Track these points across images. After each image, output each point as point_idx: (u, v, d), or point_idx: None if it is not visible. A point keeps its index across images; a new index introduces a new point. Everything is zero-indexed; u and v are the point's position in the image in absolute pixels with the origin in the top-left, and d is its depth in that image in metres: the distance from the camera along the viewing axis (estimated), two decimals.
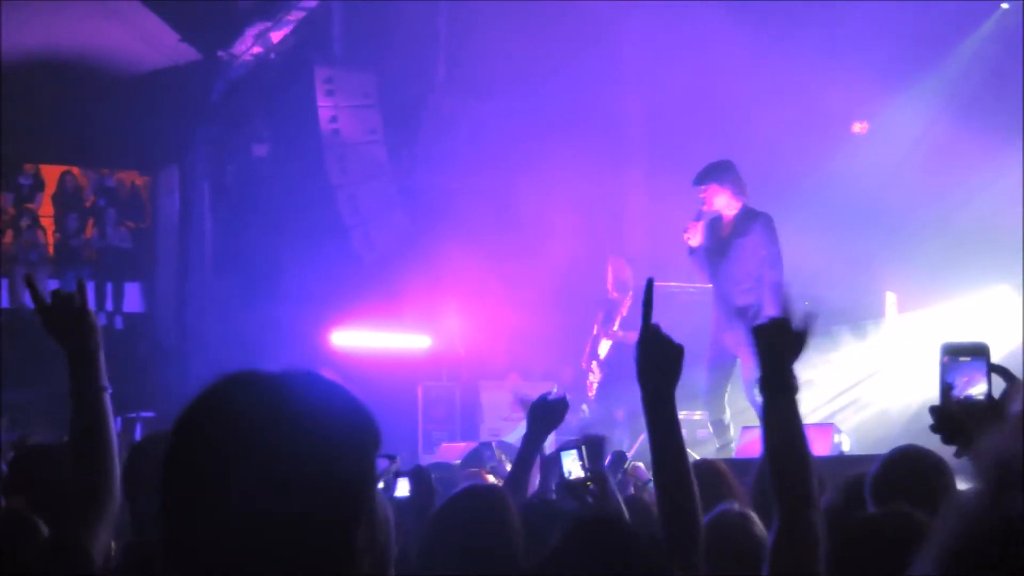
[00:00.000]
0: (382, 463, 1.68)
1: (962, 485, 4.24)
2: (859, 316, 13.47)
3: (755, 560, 3.65)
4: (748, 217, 9.66)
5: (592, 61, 14.87)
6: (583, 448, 4.87)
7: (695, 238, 9.64)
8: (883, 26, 14.41)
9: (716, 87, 14.33)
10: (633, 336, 10.12)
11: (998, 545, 0.97)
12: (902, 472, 3.76)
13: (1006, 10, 15.11)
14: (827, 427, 9.55)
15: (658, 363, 3.01)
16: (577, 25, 14.61)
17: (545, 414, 5.14)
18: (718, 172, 9.71)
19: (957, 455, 2.41)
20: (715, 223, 9.70)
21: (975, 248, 13.40)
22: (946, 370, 2.45)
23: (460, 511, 3.85)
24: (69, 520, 2.92)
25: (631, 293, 12.13)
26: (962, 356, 2.43)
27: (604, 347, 12.23)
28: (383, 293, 13.68)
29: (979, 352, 2.44)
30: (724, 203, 9.66)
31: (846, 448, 9.88)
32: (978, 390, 2.40)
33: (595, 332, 12.47)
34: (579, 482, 4.70)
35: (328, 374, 1.68)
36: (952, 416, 2.41)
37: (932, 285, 13.38)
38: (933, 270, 13.41)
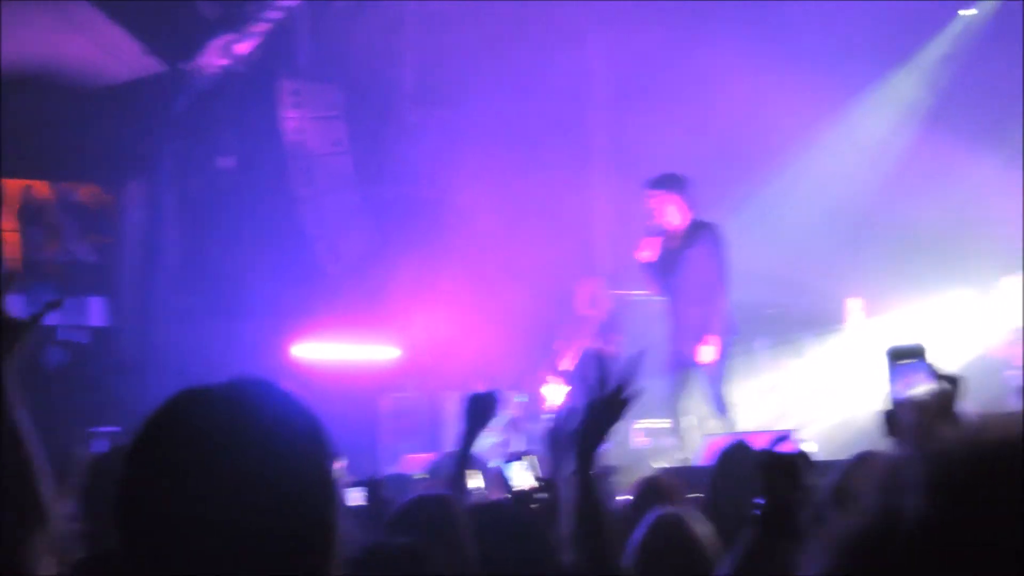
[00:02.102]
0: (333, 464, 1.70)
1: None
2: (824, 322, 13.55)
3: (693, 558, 3.68)
4: (697, 228, 9.79)
5: (559, 72, 14.90)
6: (532, 458, 4.91)
7: (648, 253, 9.77)
8: (845, 32, 14.52)
9: (681, 96, 14.38)
10: (609, 346, 10.09)
11: (874, 546, 0.99)
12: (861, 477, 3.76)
13: (967, 17, 15.24)
14: (789, 433, 9.56)
15: (601, 428, 3.04)
16: (544, 36, 14.65)
17: (478, 410, 5.15)
18: (672, 181, 9.86)
19: None
20: (666, 236, 9.81)
21: (938, 253, 13.50)
22: (892, 374, 2.48)
23: (410, 520, 3.86)
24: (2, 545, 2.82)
25: (606, 308, 12.20)
26: (905, 359, 2.47)
27: (571, 361, 12.27)
28: (348, 305, 13.66)
29: (918, 353, 2.47)
30: (673, 214, 9.78)
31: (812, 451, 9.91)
32: (922, 391, 2.43)
33: (562, 347, 12.50)
34: (528, 492, 4.73)
35: (279, 383, 1.68)
36: (898, 419, 2.44)
37: (896, 290, 13.47)
38: (897, 275, 13.50)
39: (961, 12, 15.24)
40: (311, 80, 14.61)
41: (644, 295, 13.49)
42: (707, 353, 9.54)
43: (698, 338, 9.65)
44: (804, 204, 14.17)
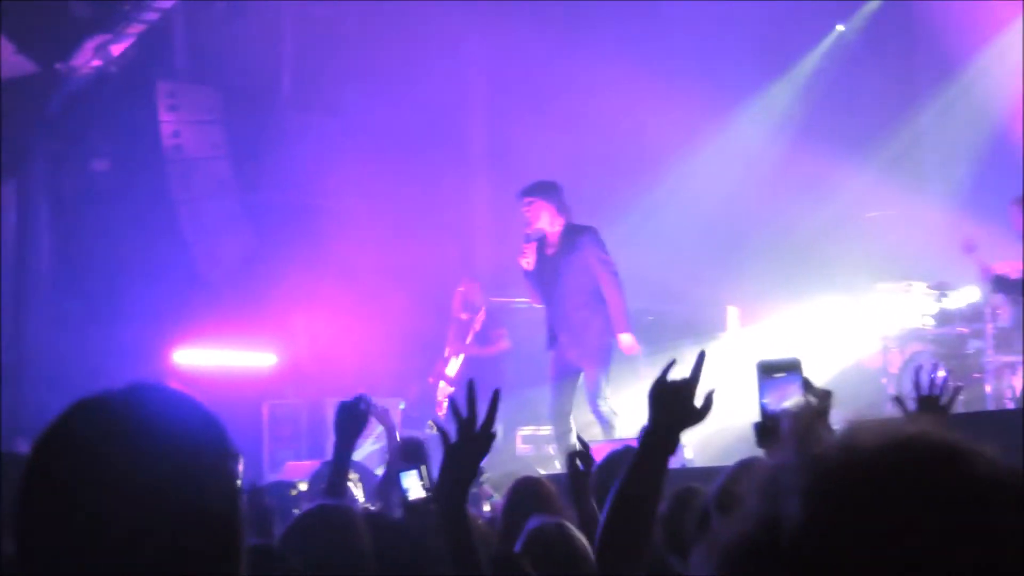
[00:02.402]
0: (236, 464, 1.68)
1: None
2: (704, 330, 13.70)
3: (575, 567, 3.71)
4: (573, 233, 9.84)
5: (438, 78, 14.91)
6: (422, 468, 4.91)
7: (528, 260, 9.80)
8: (725, 42, 14.72)
9: (560, 103, 14.48)
10: (492, 349, 10.07)
11: (755, 552, 1.02)
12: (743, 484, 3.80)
13: (841, 32, 15.56)
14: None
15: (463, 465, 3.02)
16: (421, 42, 14.65)
17: (347, 419, 5.15)
18: (543, 188, 9.92)
19: None
20: (542, 243, 9.85)
21: (813, 261, 13.75)
22: (762, 386, 2.52)
23: (309, 530, 3.84)
24: None
25: (484, 309, 12.20)
26: (776, 372, 2.51)
27: (453, 365, 12.26)
28: (227, 310, 13.51)
29: (792, 367, 2.52)
30: (547, 221, 9.84)
31: (689, 456, 10.05)
32: (793, 404, 2.48)
33: (446, 353, 12.51)
34: (421, 501, 4.73)
35: (174, 386, 1.67)
36: (771, 430, 2.49)
37: (772, 298, 13.68)
38: (773, 283, 13.71)
39: (839, 27, 15.56)
40: (188, 82, 14.42)
41: (525, 302, 13.56)
42: (629, 345, 9.58)
43: (581, 343, 9.71)
44: (683, 211, 14.34)
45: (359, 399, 5.22)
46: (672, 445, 2.89)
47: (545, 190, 9.90)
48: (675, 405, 2.88)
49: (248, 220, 14.43)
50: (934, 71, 14.89)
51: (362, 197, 14.36)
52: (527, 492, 4.94)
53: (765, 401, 2.49)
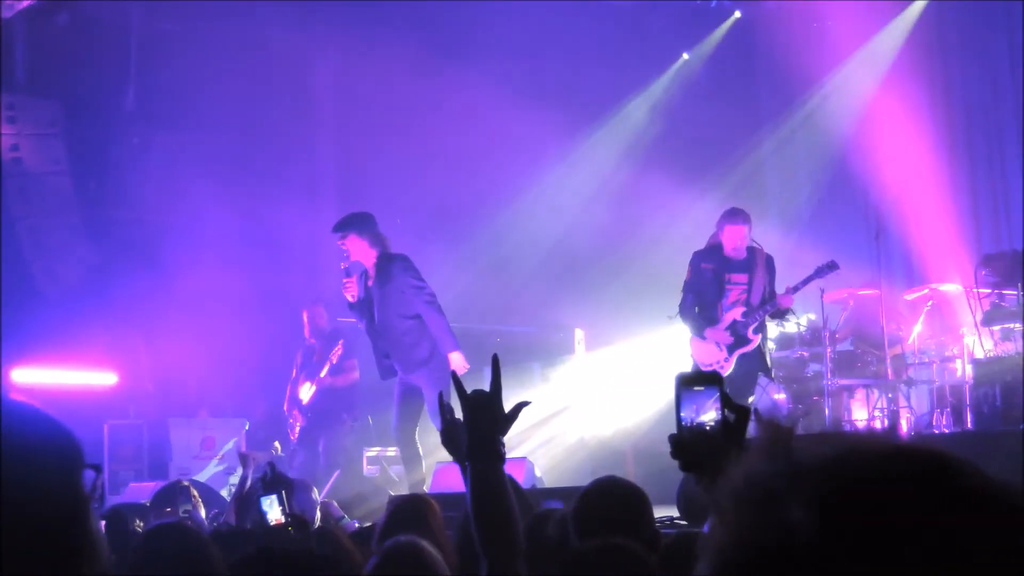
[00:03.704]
0: (88, 475, 1.64)
1: (658, 512, 4.41)
2: (550, 352, 13.79)
3: None
4: (386, 262, 9.92)
5: (285, 96, 14.81)
6: (283, 493, 4.88)
7: (351, 295, 9.91)
8: (571, 69, 14.87)
9: (409, 126, 14.48)
10: (344, 380, 10.05)
11: (771, 559, 1.03)
12: (603, 503, 3.85)
13: (687, 60, 15.84)
14: (520, 461, 9.76)
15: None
16: (271, 61, 14.52)
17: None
18: (355, 222, 10.03)
19: (696, 483, 2.52)
20: (364, 275, 9.96)
21: (655, 288, 13.94)
22: (680, 400, 2.54)
23: (156, 549, 3.77)
24: None
25: (341, 343, 12.16)
26: (695, 386, 2.53)
27: (306, 392, 12.16)
28: (67, 329, 13.19)
29: (711, 381, 2.54)
30: (363, 252, 9.92)
31: (539, 475, 10.12)
32: (710, 418, 2.51)
33: (294, 375, 12.40)
34: (281, 527, 4.70)
35: (16, 397, 1.63)
36: (687, 444, 2.51)
37: (617, 324, 13.83)
38: (617, 309, 13.86)
39: (684, 55, 15.85)
40: (28, 95, 14.08)
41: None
42: (459, 363, 9.62)
43: (413, 367, 9.78)
44: (531, 233, 14.44)
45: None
46: (496, 452, 2.97)
47: (356, 224, 10.03)
48: (485, 415, 2.99)
49: (89, 237, 14.11)
50: (775, 99, 15.27)
51: (207, 215, 14.16)
52: (407, 509, 4.90)
53: (683, 414, 2.51)
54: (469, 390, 3.00)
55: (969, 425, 10.45)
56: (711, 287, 10.31)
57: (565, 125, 14.62)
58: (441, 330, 9.77)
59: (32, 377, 13.12)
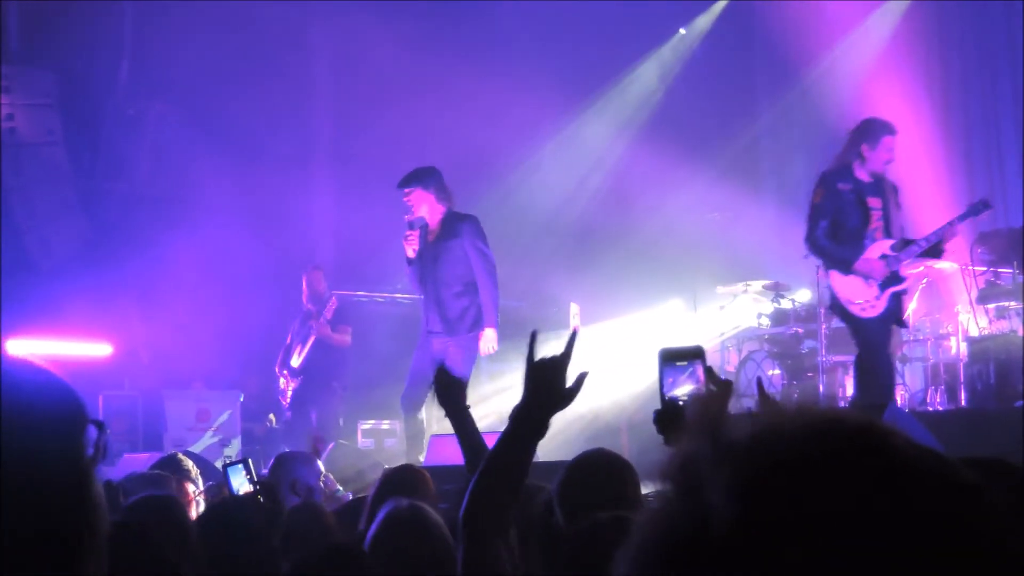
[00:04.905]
0: (91, 431, 1.60)
1: (648, 486, 4.41)
2: (545, 326, 13.78)
3: (430, 548, 3.70)
4: (453, 220, 9.77)
5: (281, 68, 14.77)
6: (248, 461, 4.93)
7: (412, 249, 9.68)
8: (568, 44, 14.84)
9: (405, 99, 14.45)
10: (338, 339, 10.05)
11: (685, 550, 0.99)
12: (589, 476, 3.82)
13: (683, 35, 15.80)
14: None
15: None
16: (267, 32, 14.47)
17: None
18: (422, 176, 9.81)
19: None
20: (424, 230, 9.77)
21: (654, 261, 13.95)
22: (664, 374, 2.53)
23: (137, 522, 3.78)
24: None
25: (334, 297, 12.13)
26: (678, 360, 2.52)
27: (300, 356, 12.18)
28: (61, 300, 13.17)
29: (694, 355, 2.53)
30: (428, 209, 9.75)
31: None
32: (683, 392, 2.50)
33: (288, 341, 12.40)
34: (249, 495, 4.73)
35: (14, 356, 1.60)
36: (673, 419, 2.50)
37: (611, 298, 13.84)
38: (612, 285, 13.87)
39: (681, 30, 15.80)
40: (22, 65, 14.01)
41: (367, 296, 13.50)
42: (488, 344, 9.55)
43: (454, 332, 9.63)
44: (527, 208, 14.43)
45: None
46: (542, 426, 2.85)
47: (423, 178, 9.80)
48: (549, 384, 2.85)
49: (84, 208, 14.08)
50: (772, 76, 15.24)
51: (202, 187, 14.14)
52: (399, 480, 4.91)
53: (667, 389, 2.51)
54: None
55: (963, 403, 10.48)
56: (853, 211, 8.76)
57: (560, 99, 14.59)
58: (492, 301, 9.60)
59: (26, 348, 13.11)
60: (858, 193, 8.67)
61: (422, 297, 9.84)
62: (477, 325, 9.58)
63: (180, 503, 4.50)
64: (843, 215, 8.69)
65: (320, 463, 7.52)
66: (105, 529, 1.56)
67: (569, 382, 2.90)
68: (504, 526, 2.92)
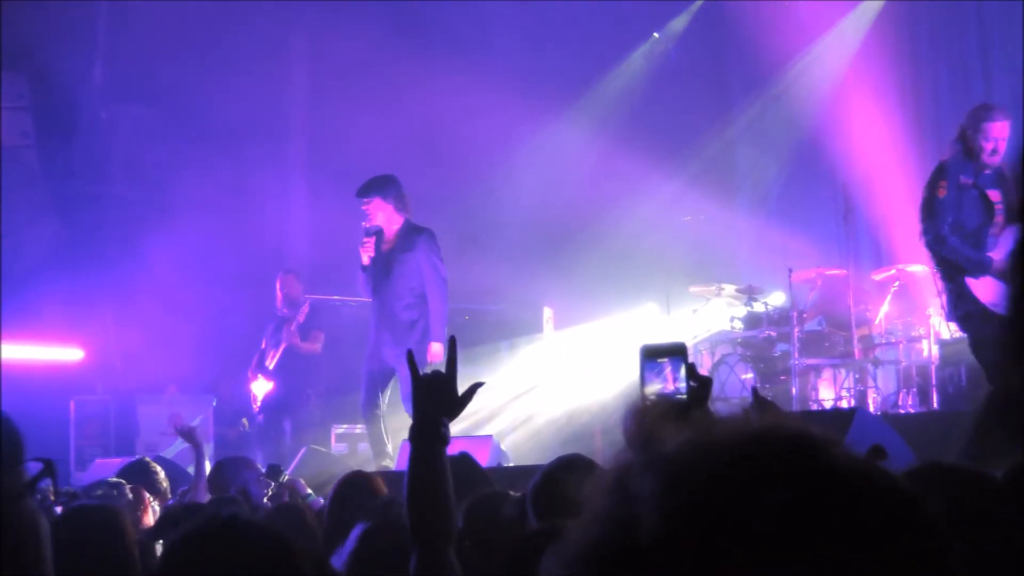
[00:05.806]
0: (34, 467, 1.60)
1: None
2: (518, 330, 13.78)
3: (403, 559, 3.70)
4: (411, 232, 9.78)
5: (257, 69, 14.71)
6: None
7: (367, 256, 9.70)
8: (543, 46, 14.84)
9: (381, 101, 14.42)
10: (308, 347, 10.02)
11: (613, 556, 1.00)
12: (563, 481, 3.82)
13: (656, 39, 15.82)
14: (486, 439, 9.75)
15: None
16: (243, 33, 14.42)
17: None
18: (381, 186, 9.82)
19: None
20: (379, 238, 9.78)
21: (624, 268, 13.96)
22: (644, 371, 2.51)
23: (72, 535, 3.78)
24: None
25: (308, 302, 12.11)
26: (659, 358, 2.51)
27: (273, 360, 12.15)
28: (33, 304, 13.11)
29: (675, 352, 2.52)
30: (385, 218, 9.76)
31: (504, 449, 10.13)
32: (653, 390, 2.49)
33: (263, 346, 12.37)
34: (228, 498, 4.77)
35: None
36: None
37: (585, 302, 13.84)
38: (586, 288, 13.87)
39: (655, 34, 15.82)
40: None
41: (340, 299, 13.47)
42: (436, 354, 9.55)
43: (402, 344, 9.63)
44: (501, 211, 14.43)
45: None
46: (437, 434, 2.95)
47: (382, 188, 9.82)
48: (438, 394, 2.97)
49: (57, 211, 14.02)
50: (746, 79, 15.27)
51: (176, 190, 14.09)
52: (355, 487, 4.93)
53: (646, 386, 2.49)
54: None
55: (935, 405, 10.51)
56: (976, 207, 7.82)
57: (535, 103, 14.57)
58: (440, 317, 9.66)
59: None
60: (980, 188, 7.75)
61: (374, 304, 9.89)
62: (423, 340, 9.62)
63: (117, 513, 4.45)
64: (965, 213, 7.77)
65: (261, 466, 7.50)
66: (35, 557, 1.55)
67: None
68: (448, 533, 2.96)
